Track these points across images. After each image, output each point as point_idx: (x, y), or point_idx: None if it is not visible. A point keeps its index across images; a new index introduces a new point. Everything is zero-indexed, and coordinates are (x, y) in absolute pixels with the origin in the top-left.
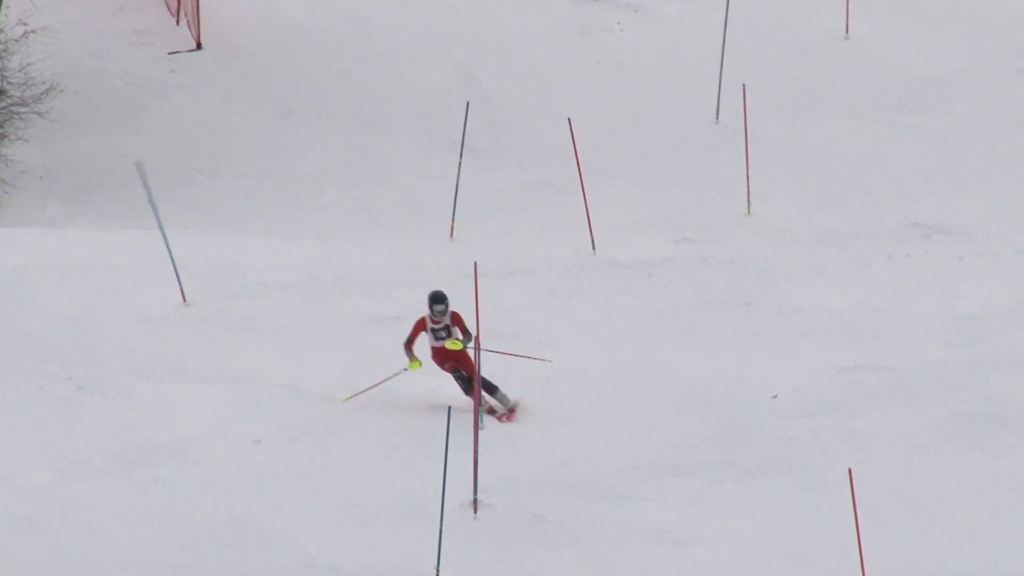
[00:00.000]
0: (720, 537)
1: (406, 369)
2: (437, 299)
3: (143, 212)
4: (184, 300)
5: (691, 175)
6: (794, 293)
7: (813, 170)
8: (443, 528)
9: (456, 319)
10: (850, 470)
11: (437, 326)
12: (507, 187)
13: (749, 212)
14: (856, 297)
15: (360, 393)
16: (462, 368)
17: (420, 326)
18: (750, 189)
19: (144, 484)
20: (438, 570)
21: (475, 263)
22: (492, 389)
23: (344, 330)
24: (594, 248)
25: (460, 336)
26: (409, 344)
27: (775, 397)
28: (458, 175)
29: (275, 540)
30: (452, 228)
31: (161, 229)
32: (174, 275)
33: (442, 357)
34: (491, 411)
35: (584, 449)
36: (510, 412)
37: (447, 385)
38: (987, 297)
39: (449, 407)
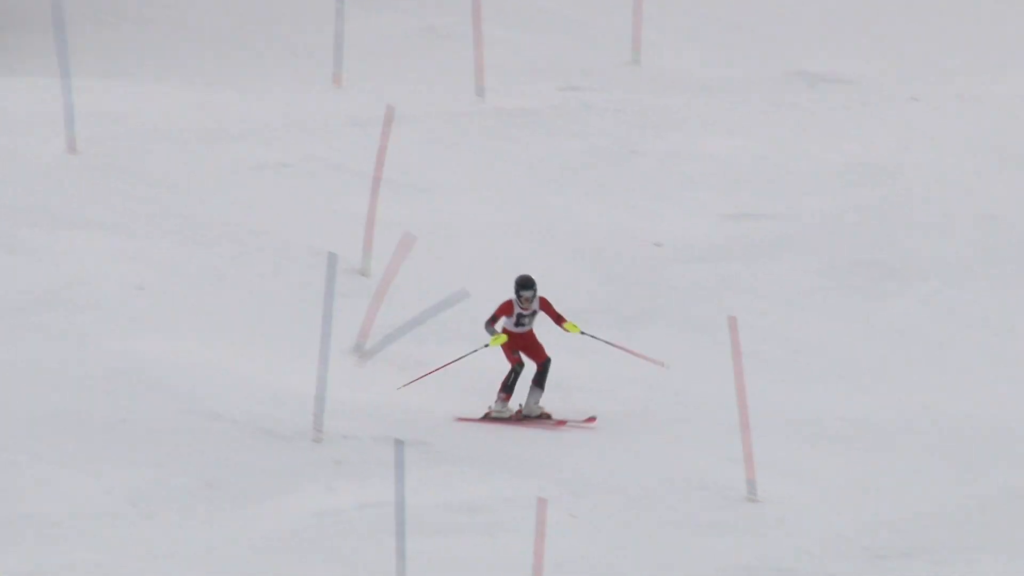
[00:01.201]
0: (599, 381)
1: (487, 345)
2: (525, 284)
3: (32, 57)
4: (72, 148)
5: (579, 22)
6: (680, 141)
7: (700, 18)
8: (326, 374)
9: (545, 305)
10: (733, 317)
11: (525, 312)
12: (394, 33)
13: (636, 60)
14: (742, 145)
15: (427, 374)
16: (533, 357)
17: (506, 309)
18: (638, 37)
19: (27, 330)
20: (319, 416)
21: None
22: (542, 386)
23: (231, 177)
24: (481, 95)
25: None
26: (493, 322)
27: (660, 245)
28: (340, 20)
29: (157, 387)
30: (338, 75)
31: (64, 74)
32: (63, 122)
33: (519, 344)
34: (516, 417)
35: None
36: (538, 418)
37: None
38: (872, 146)
39: (333, 255)
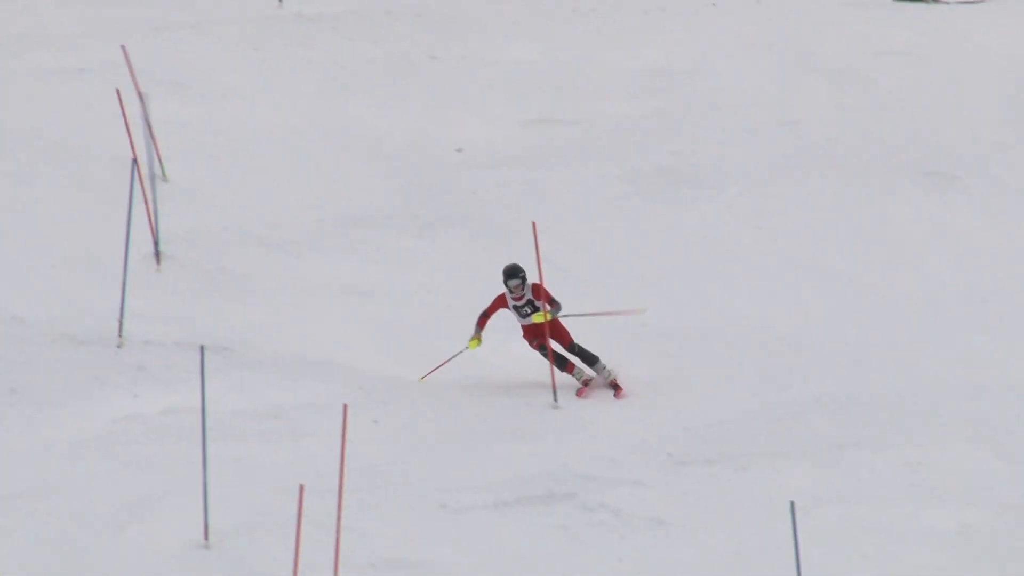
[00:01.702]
0: (402, 289)
1: (466, 348)
2: (511, 273)
3: None
4: None
5: None
6: (479, 46)
7: None
8: (127, 280)
9: (538, 290)
10: (534, 223)
11: (519, 302)
12: None
13: None
14: (542, 51)
15: (430, 373)
16: (557, 340)
17: (501, 302)
18: None
19: None
20: (121, 322)
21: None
22: (591, 360)
23: (31, 83)
24: (280, 1)
25: (547, 307)
26: (484, 319)
27: (460, 150)
28: None
29: None
30: None
31: None
32: None
33: (531, 334)
34: (586, 383)
35: (269, 202)
36: (616, 388)
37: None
38: (672, 51)
39: (134, 161)
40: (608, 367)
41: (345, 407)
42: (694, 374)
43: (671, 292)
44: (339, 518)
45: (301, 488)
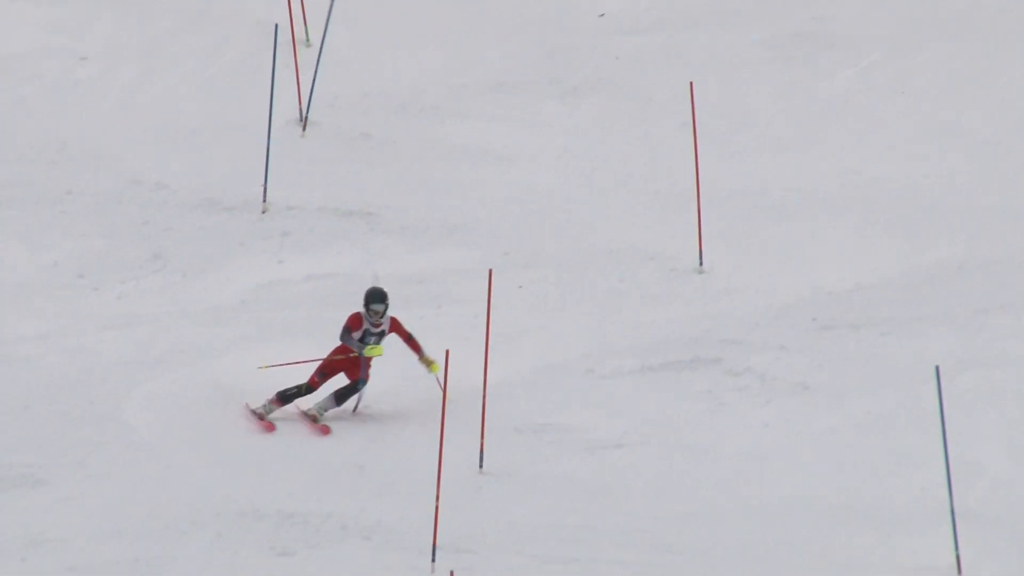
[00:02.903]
0: (545, 153)
1: (362, 353)
2: (375, 297)
3: None
4: None
5: None
6: None
7: None
8: (271, 146)
9: (396, 325)
10: (691, 83)
11: (374, 329)
12: None
13: None
14: None
15: (278, 365)
16: (348, 375)
17: (354, 323)
18: None
19: None
20: (265, 188)
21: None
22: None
23: None
24: None
25: (419, 355)
26: (347, 333)
27: (602, 16)
28: None
29: (102, 158)
30: None
31: None
32: None
33: (339, 366)
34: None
35: (410, 69)
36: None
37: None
38: None
39: (276, 27)
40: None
41: (490, 272)
42: (835, 239)
43: (809, 155)
44: (485, 384)
45: (447, 353)
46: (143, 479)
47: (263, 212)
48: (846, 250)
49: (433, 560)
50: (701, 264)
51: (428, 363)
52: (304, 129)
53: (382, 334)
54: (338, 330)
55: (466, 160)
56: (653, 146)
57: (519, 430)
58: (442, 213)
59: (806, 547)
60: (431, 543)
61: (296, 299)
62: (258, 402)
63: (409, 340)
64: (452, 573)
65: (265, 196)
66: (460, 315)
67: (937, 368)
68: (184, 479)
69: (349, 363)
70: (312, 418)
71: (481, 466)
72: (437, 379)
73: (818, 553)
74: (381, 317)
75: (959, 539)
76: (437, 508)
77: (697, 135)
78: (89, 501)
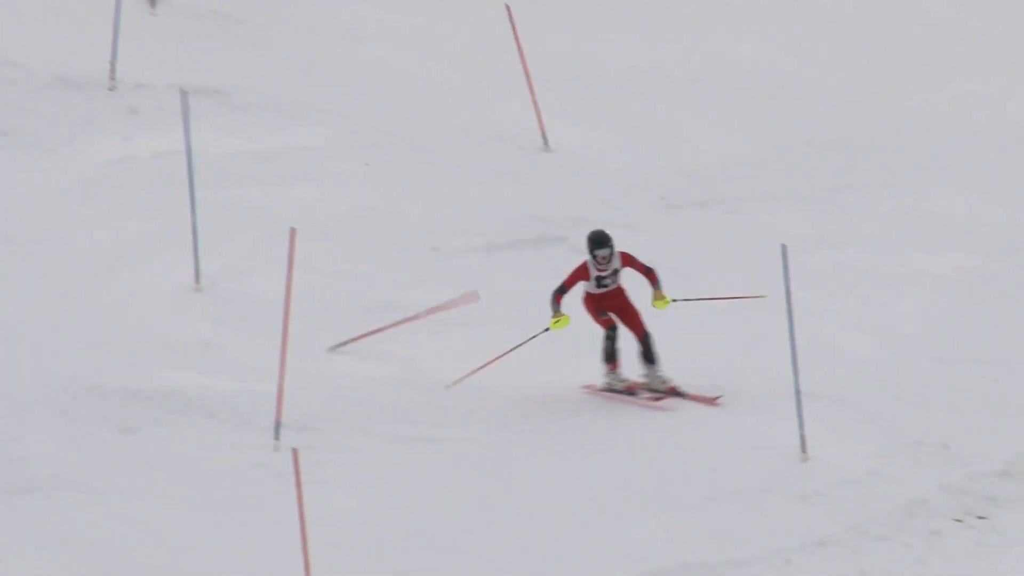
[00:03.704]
0: (396, 32)
1: (547, 329)
2: (598, 241)
3: None
4: None
5: None
6: None
7: None
8: (119, 22)
9: (628, 260)
10: None
11: (603, 273)
12: None
13: None
14: None
15: (476, 370)
16: (629, 326)
17: (580, 274)
18: None
19: None
20: (113, 65)
21: None
22: (651, 359)
23: None
24: None
25: (654, 288)
26: (560, 295)
27: None
28: None
29: None
30: None
31: None
32: None
33: (599, 305)
34: (630, 391)
35: None
36: (667, 393)
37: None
38: None
39: None
40: (665, 374)
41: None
42: (686, 119)
43: (659, 33)
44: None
45: (292, 231)
46: None
47: (111, 90)
48: (696, 130)
49: (277, 438)
50: (547, 143)
51: (660, 299)
52: (153, 5)
53: (615, 272)
54: None
55: (317, 39)
56: (505, 26)
57: (367, 309)
58: (293, 91)
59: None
60: (275, 420)
61: (145, 176)
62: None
63: (648, 273)
64: (295, 450)
65: (113, 74)
66: (307, 193)
67: (784, 246)
68: (30, 357)
69: (613, 304)
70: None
71: (326, 343)
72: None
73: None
74: (609, 261)
75: (805, 419)
76: (281, 386)
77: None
78: None
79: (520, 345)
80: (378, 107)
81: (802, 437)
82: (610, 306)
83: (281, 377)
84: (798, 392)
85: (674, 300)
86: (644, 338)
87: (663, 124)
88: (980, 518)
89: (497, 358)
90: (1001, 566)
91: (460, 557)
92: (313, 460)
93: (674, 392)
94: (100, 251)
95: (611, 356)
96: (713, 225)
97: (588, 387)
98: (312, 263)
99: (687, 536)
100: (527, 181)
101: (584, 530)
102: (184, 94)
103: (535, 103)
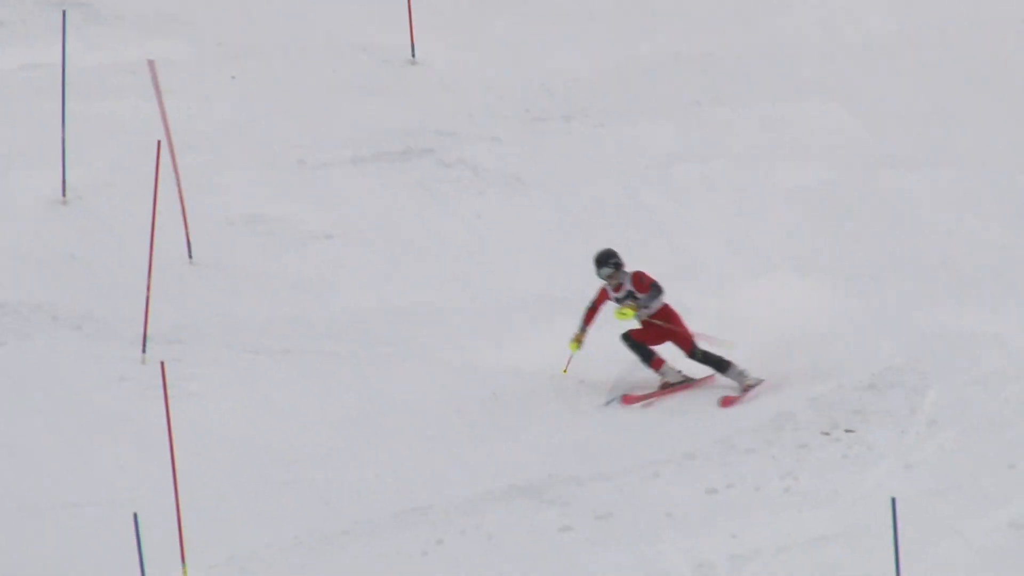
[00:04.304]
0: None
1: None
2: (600, 260)
3: None
4: None
5: None
6: None
7: None
8: None
9: (638, 280)
10: None
11: (618, 294)
12: None
13: None
14: None
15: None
16: (676, 342)
17: (604, 296)
18: None
19: None
20: None
21: None
22: (722, 366)
23: None
24: None
25: (636, 298)
26: (591, 313)
27: None
28: None
29: None
30: None
31: None
32: None
33: (641, 337)
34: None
35: None
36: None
37: None
38: None
39: None
40: (742, 368)
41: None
42: (549, 33)
43: None
44: (176, 172)
45: (159, 144)
46: None
47: None
48: (561, 43)
49: (144, 351)
50: (414, 56)
51: (628, 310)
52: None
53: (630, 294)
54: None
55: None
56: None
57: (230, 221)
58: (159, 4)
59: (516, 343)
60: (142, 333)
61: (12, 89)
62: (646, 389)
63: (652, 287)
64: (163, 363)
65: None
66: (172, 106)
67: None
68: None
69: (656, 334)
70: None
71: (191, 256)
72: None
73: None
74: (618, 280)
75: None
76: (148, 298)
77: None
78: None
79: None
80: (244, 19)
81: None
82: (648, 337)
83: (148, 289)
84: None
85: (643, 319)
86: (691, 354)
87: (528, 38)
88: (848, 431)
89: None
90: (868, 479)
91: (327, 471)
92: (180, 374)
93: (748, 387)
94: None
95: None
96: (580, 139)
97: (630, 398)
98: (177, 175)
99: (555, 449)
100: (394, 94)
101: (451, 444)
102: (63, 13)
103: (410, 14)
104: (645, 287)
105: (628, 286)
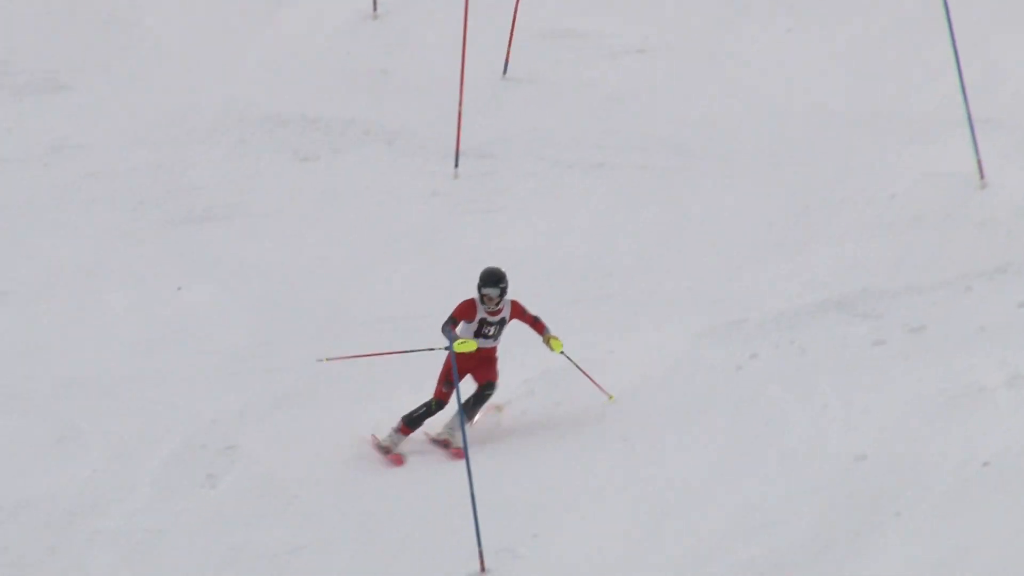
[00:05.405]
0: None
1: (447, 348)
2: (490, 279)
3: None
4: None
5: None
6: None
7: None
8: None
9: (518, 311)
10: None
11: (492, 318)
12: None
13: None
14: None
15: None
16: (477, 377)
17: (466, 312)
18: None
19: None
20: None
21: None
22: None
23: None
24: None
25: (544, 335)
26: (453, 325)
27: None
28: None
29: None
30: None
31: None
32: None
33: (466, 365)
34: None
35: None
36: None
37: None
38: None
39: None
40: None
41: None
42: None
43: None
44: None
45: None
46: (166, 87)
47: None
48: None
49: (456, 166)
50: None
51: (550, 340)
52: None
53: (502, 322)
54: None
55: None
56: None
57: (543, 36)
58: None
59: (827, 152)
60: (454, 148)
61: None
62: (384, 432)
63: (535, 324)
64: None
65: None
66: None
67: None
68: (207, 86)
69: (476, 362)
70: (444, 443)
71: (505, 72)
72: (566, 355)
73: (841, 158)
74: (498, 303)
75: (980, 146)
76: (460, 113)
77: None
78: (112, 107)
79: (412, 351)
80: None
81: (979, 163)
82: (472, 366)
83: (460, 104)
84: (970, 118)
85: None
86: (486, 384)
87: None
88: None
89: (374, 355)
90: None
91: (639, 286)
92: (490, 188)
93: (443, 443)
94: None
95: (413, 422)
96: None
97: (374, 438)
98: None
99: (867, 262)
100: None
101: (761, 259)
102: None
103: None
104: (525, 316)
105: (506, 314)
